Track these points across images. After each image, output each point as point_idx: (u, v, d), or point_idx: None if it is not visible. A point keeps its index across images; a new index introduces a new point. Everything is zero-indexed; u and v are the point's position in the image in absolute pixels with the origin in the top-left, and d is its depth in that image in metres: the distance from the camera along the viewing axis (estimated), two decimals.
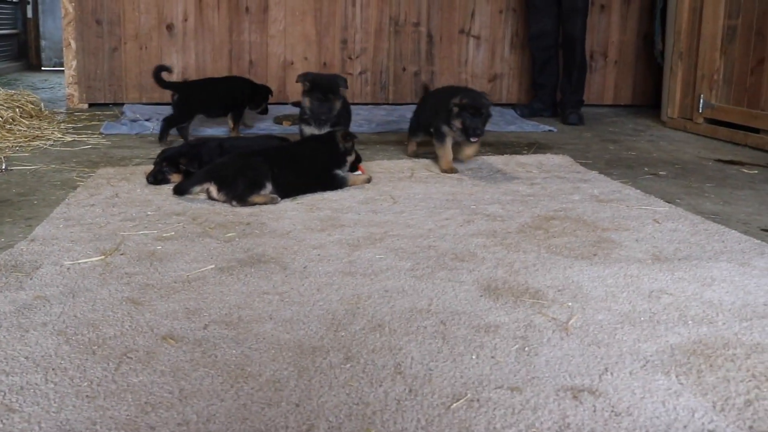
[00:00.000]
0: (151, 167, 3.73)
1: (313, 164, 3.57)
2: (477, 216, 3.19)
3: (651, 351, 1.93)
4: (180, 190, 3.39)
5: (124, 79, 6.49)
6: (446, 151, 4.12)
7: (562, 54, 6.55)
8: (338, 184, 3.62)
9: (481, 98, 3.97)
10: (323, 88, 4.10)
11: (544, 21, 6.45)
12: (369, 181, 3.76)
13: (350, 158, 3.71)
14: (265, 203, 3.28)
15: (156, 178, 3.65)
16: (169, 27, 6.52)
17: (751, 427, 1.59)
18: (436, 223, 3.06)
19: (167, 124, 4.79)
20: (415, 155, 4.62)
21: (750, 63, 5.20)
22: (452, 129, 3.98)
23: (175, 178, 3.63)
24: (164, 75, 4.80)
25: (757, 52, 5.13)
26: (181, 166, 3.65)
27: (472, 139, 3.91)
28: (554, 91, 6.71)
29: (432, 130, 4.17)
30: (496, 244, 2.80)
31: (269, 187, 3.33)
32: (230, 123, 5.15)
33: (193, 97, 4.87)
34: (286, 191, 3.40)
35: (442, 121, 4.03)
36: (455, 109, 3.90)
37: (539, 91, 6.73)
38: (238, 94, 5.20)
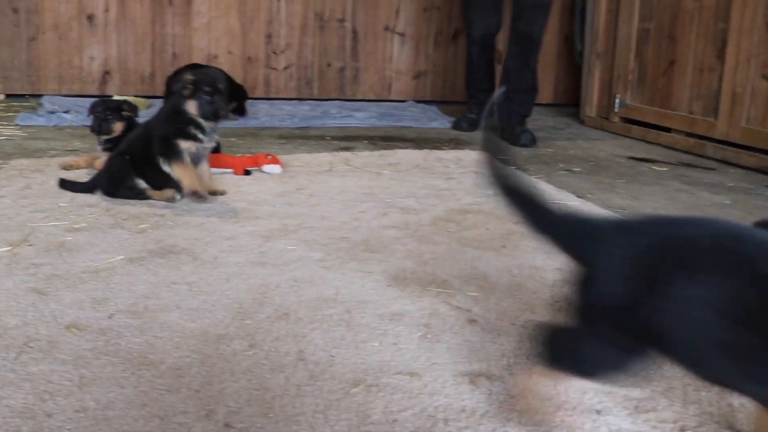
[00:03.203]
0: (68, 158, 3.68)
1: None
2: (392, 209, 3.23)
3: None
4: (69, 188, 3.33)
5: (42, 69, 6.33)
6: None
7: (509, 58, 5.40)
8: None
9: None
10: None
11: (490, 20, 5.48)
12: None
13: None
14: (165, 200, 3.19)
15: (101, 128, 3.60)
16: (90, 17, 6.39)
17: None
18: (350, 216, 3.09)
19: None
20: None
21: (662, 65, 5.37)
22: None
23: (118, 127, 3.59)
24: None
25: (668, 54, 5.30)
26: (124, 113, 3.62)
27: None
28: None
29: None
30: (408, 236, 2.85)
31: (143, 183, 3.21)
32: None
33: None
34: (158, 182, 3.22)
35: None
36: None
37: (472, 103, 5.76)
38: None
